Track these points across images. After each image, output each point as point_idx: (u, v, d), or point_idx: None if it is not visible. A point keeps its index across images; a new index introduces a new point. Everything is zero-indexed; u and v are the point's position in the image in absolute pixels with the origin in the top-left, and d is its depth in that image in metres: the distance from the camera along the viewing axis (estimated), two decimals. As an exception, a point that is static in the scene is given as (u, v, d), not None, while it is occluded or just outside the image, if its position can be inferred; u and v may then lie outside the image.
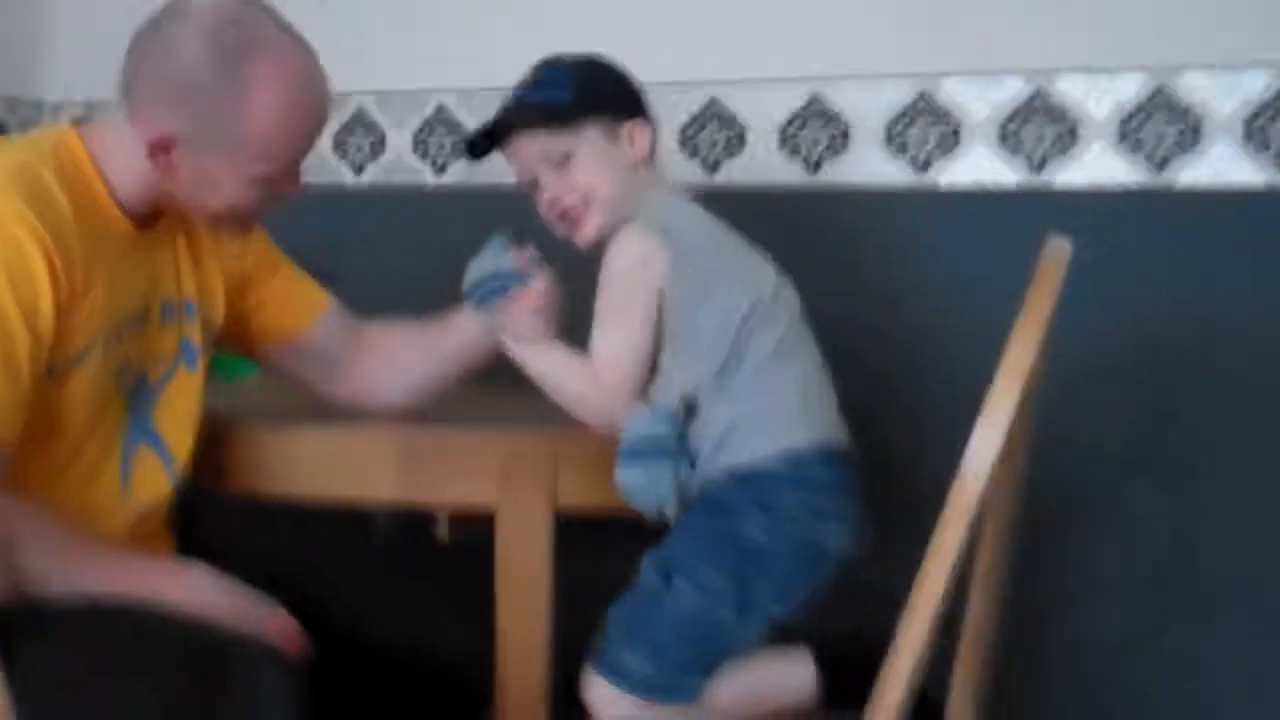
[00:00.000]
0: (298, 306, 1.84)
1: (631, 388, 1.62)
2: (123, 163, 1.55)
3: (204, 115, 1.50)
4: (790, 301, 1.66)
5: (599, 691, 1.56)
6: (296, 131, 1.55)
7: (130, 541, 1.60)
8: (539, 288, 1.67)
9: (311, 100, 1.56)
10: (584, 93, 1.68)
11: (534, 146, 1.69)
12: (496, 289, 1.67)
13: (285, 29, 1.55)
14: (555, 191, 1.68)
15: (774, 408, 1.59)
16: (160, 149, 1.52)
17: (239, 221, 1.63)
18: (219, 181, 1.55)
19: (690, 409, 1.60)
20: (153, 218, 1.61)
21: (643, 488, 1.58)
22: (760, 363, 1.59)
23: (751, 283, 1.63)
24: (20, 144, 1.57)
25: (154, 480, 1.65)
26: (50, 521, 1.49)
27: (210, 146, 1.52)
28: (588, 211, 1.68)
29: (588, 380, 1.62)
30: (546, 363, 1.66)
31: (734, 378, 1.59)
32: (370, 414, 1.83)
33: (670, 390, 1.61)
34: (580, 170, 1.67)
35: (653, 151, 1.71)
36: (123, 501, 1.61)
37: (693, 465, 1.59)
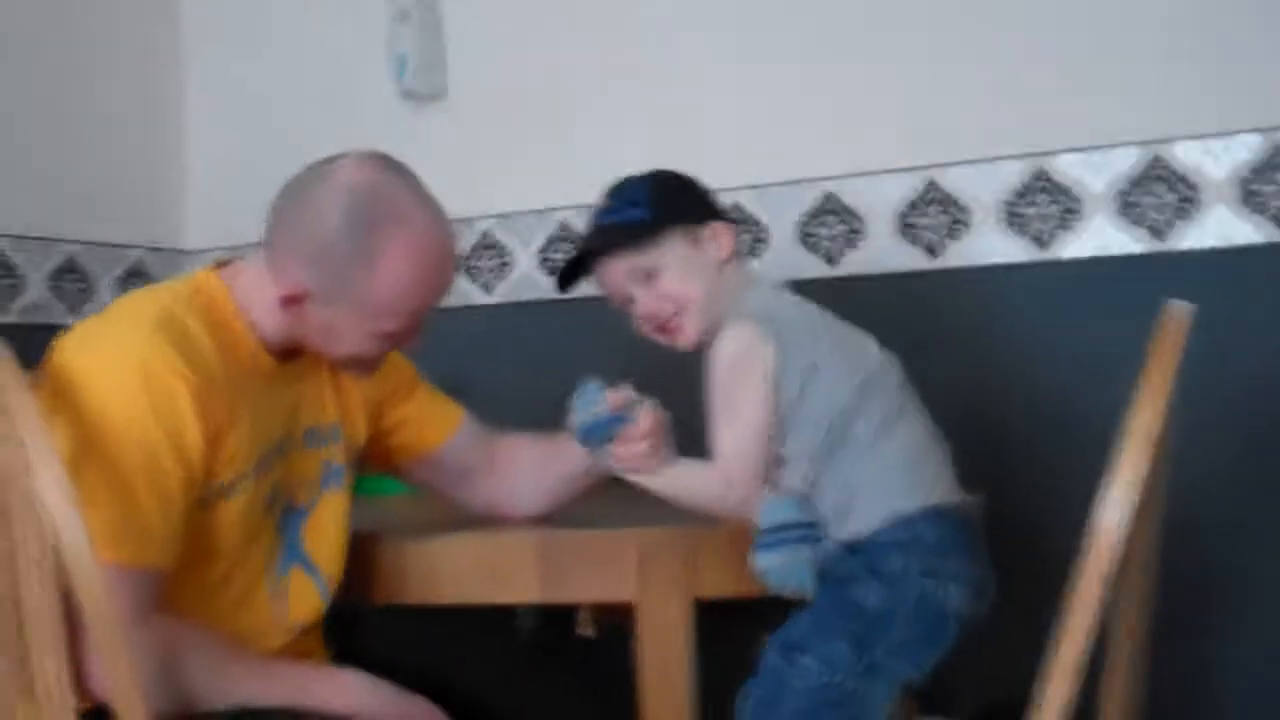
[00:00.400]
0: (434, 424, 1.90)
1: (760, 477, 1.65)
2: (262, 303, 1.63)
3: (335, 277, 1.58)
4: (893, 374, 1.69)
5: None
6: (421, 296, 1.62)
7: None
8: (643, 424, 1.68)
9: (437, 268, 1.63)
10: (660, 207, 1.73)
11: (620, 267, 1.74)
12: (603, 435, 1.70)
13: (420, 196, 1.63)
14: (649, 306, 1.74)
15: (881, 478, 1.61)
16: (292, 301, 1.60)
17: (361, 366, 1.71)
18: (344, 335, 1.63)
19: (809, 489, 1.62)
20: (294, 351, 1.68)
21: (782, 571, 1.61)
22: (867, 437, 1.62)
23: (856, 362, 1.66)
24: (165, 289, 1.65)
25: (307, 600, 1.70)
26: (208, 638, 1.55)
27: (339, 305, 1.60)
28: (684, 319, 1.73)
29: (717, 482, 1.66)
30: (671, 482, 1.70)
31: (841, 454, 1.61)
32: (507, 521, 1.87)
33: (793, 475, 1.64)
34: (669, 281, 1.72)
35: (736, 249, 1.76)
36: (277, 623, 1.66)
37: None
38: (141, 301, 1.62)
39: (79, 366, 1.51)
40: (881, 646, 1.55)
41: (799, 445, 1.63)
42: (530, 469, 1.91)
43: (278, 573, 1.68)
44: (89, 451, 1.46)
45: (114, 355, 1.52)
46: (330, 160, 1.63)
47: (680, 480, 1.70)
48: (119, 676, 1.33)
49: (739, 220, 1.78)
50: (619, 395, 1.70)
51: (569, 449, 1.83)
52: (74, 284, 2.79)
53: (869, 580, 1.57)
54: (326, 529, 1.74)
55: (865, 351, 1.68)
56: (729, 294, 1.72)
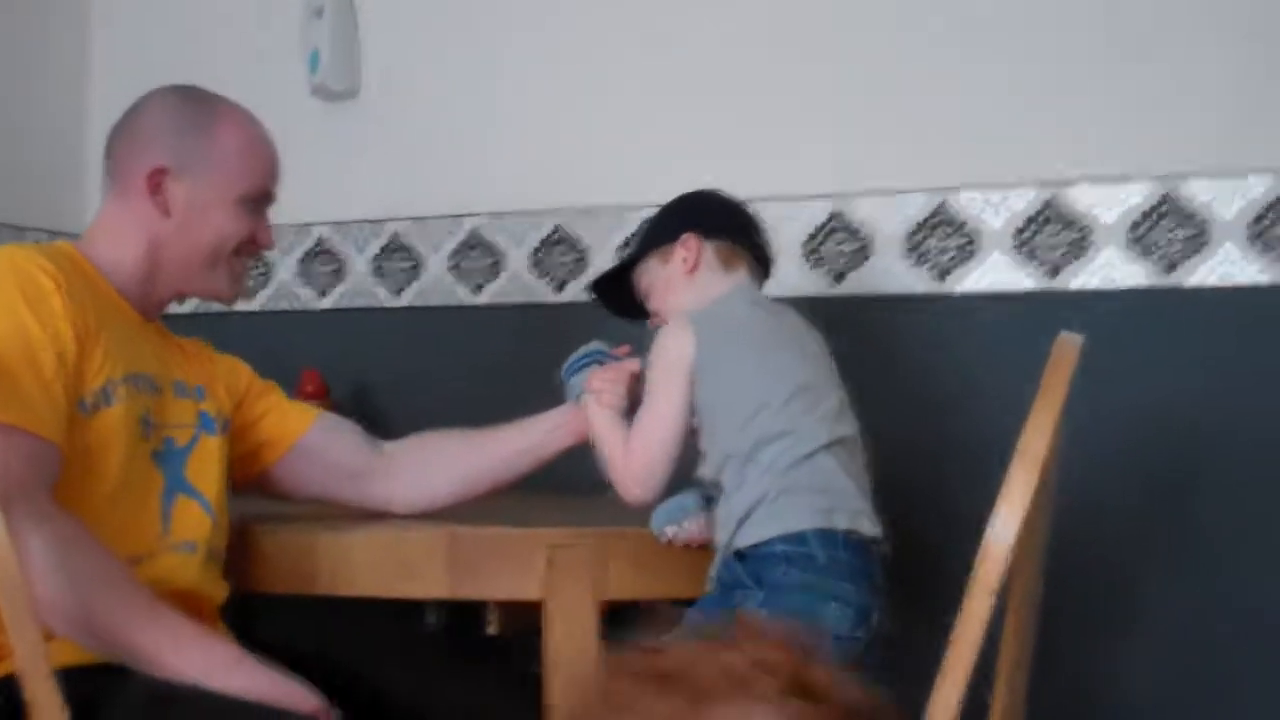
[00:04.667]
0: (292, 416, 1.95)
1: (651, 464, 1.74)
2: (116, 255, 1.75)
3: (182, 145, 1.76)
4: (830, 398, 1.75)
5: None
6: (263, 156, 1.82)
7: (175, 594, 1.63)
8: (629, 366, 1.85)
9: (268, 137, 1.84)
10: (644, 236, 1.90)
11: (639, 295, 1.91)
12: (592, 360, 1.86)
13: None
14: (652, 322, 1.89)
15: (787, 495, 1.66)
16: (155, 185, 1.75)
17: (229, 269, 1.81)
18: (209, 208, 1.77)
19: (718, 491, 1.71)
20: (152, 314, 1.80)
21: (668, 508, 1.73)
22: (782, 456, 1.67)
23: (787, 378, 1.72)
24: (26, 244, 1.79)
25: (194, 521, 1.72)
26: (110, 553, 1.54)
27: (195, 173, 1.76)
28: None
29: (620, 457, 1.77)
30: (606, 427, 1.81)
31: (754, 467, 1.68)
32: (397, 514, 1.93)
33: (706, 471, 1.74)
34: (653, 298, 1.88)
35: (707, 256, 1.85)
36: (163, 539, 1.68)
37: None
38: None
39: None
40: None
41: (711, 447, 1.71)
42: (429, 465, 1.95)
43: (164, 500, 1.70)
44: None
45: None
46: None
47: (610, 431, 1.80)
48: (26, 641, 1.31)
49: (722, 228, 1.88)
50: (622, 348, 1.87)
51: (480, 446, 1.91)
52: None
53: (752, 589, 1.63)
54: (208, 467, 1.77)
55: (791, 371, 1.74)
56: (705, 299, 1.81)
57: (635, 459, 1.75)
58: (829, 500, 1.67)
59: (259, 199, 1.82)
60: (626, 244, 2.53)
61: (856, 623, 1.63)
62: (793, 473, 1.67)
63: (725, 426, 1.70)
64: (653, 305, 1.87)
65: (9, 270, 1.58)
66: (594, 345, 1.89)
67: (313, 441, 1.94)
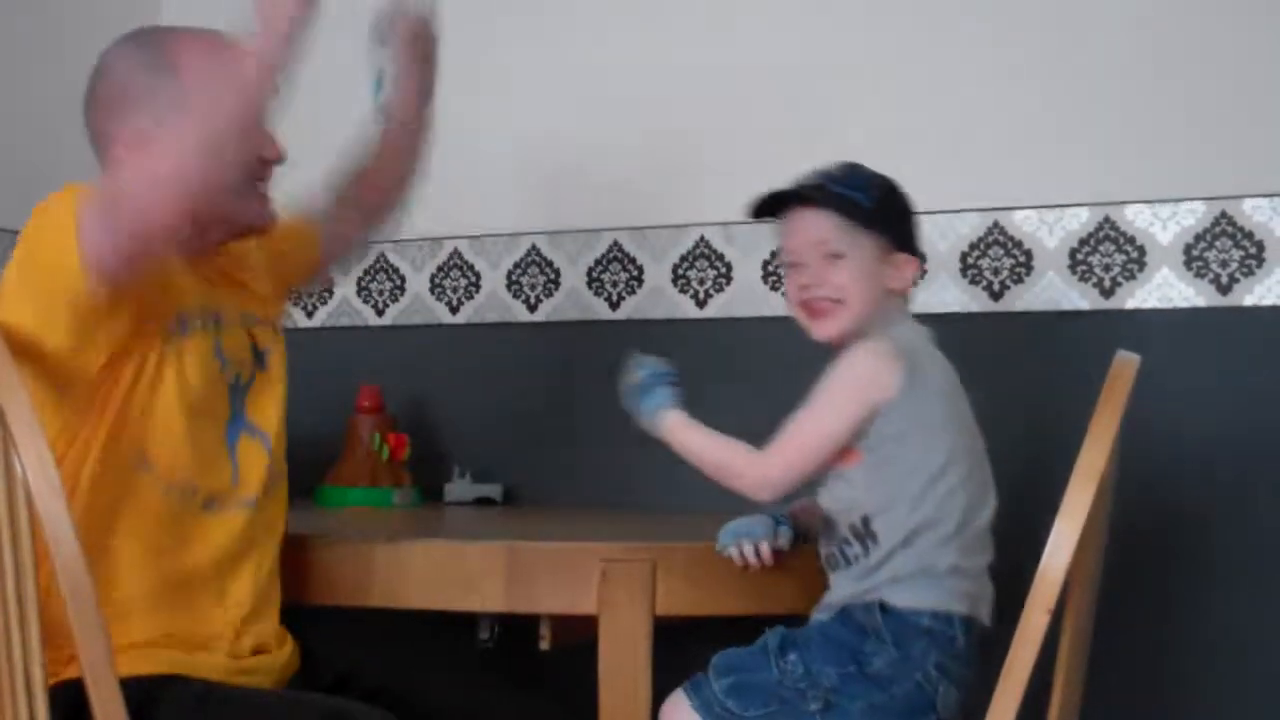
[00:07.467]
0: (303, 248, 2.02)
1: (792, 471, 1.69)
2: None
3: (153, 94, 1.68)
4: (985, 467, 1.73)
5: (674, 709, 1.67)
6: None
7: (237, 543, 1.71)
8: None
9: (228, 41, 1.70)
10: (881, 206, 1.75)
11: (815, 231, 1.74)
12: (661, 381, 1.79)
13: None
14: (814, 281, 1.75)
15: (951, 575, 1.65)
16: (139, 149, 1.64)
17: (255, 193, 1.76)
18: None
19: (867, 529, 1.67)
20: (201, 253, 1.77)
21: (736, 528, 1.73)
22: (956, 525, 1.65)
23: (961, 441, 1.70)
24: None
25: (256, 464, 1.76)
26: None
27: (175, 116, 1.62)
28: (835, 312, 1.74)
29: (750, 457, 1.71)
30: (703, 437, 1.75)
31: (927, 531, 1.65)
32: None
33: (847, 498, 1.70)
34: (846, 273, 1.73)
35: (911, 286, 1.79)
36: (234, 491, 1.72)
37: (797, 538, 1.74)
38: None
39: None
40: (862, 700, 1.62)
41: (875, 484, 1.68)
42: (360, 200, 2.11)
43: (230, 441, 1.74)
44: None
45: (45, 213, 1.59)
46: None
47: (707, 443, 1.75)
48: (93, 647, 1.35)
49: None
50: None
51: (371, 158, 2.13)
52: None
53: (888, 647, 1.63)
54: (264, 400, 1.80)
55: (975, 435, 1.73)
56: (883, 319, 1.74)
57: (781, 459, 1.69)
58: (979, 586, 1.68)
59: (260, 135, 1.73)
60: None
61: (959, 707, 1.65)
62: (963, 551, 1.66)
63: (907, 476, 1.66)
64: (834, 278, 1.73)
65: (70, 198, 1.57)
66: (650, 366, 1.82)
67: (325, 239, 2.04)
